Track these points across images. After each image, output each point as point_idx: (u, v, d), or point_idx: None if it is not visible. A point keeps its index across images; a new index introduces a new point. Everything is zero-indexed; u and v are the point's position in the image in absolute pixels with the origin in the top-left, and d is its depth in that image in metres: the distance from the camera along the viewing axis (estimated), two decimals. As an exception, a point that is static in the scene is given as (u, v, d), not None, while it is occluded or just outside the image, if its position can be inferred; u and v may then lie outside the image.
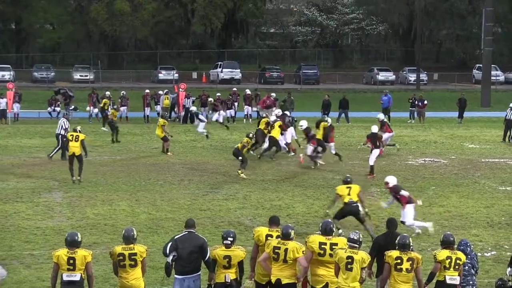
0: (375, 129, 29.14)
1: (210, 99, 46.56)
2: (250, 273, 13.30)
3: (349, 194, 18.97)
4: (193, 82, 70.61)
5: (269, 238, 13.23)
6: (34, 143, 36.11)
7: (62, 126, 31.13)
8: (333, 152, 31.47)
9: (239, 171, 27.61)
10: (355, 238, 12.50)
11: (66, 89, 49.98)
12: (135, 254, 12.63)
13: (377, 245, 13.43)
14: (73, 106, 47.18)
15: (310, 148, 30.26)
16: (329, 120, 32.52)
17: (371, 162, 28.24)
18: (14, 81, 62.10)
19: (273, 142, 31.89)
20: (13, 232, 19.52)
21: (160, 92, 49.05)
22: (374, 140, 28.64)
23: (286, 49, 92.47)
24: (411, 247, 12.70)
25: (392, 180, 19.72)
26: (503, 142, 38.41)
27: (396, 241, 12.74)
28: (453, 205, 23.50)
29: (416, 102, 48.14)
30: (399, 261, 12.50)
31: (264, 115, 38.19)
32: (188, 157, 32.85)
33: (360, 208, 18.99)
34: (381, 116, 33.97)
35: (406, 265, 12.50)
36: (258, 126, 33.50)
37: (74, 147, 26.22)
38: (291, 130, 33.69)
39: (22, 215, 21.39)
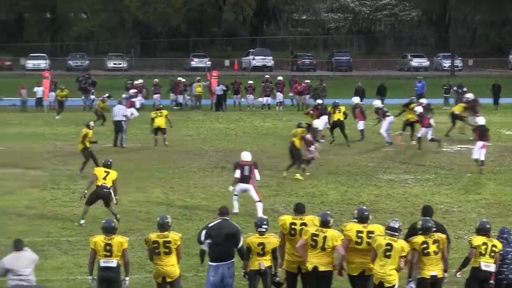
0: (482, 120, 27.55)
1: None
2: (280, 261, 13.35)
3: (104, 179, 19.08)
4: (225, 70, 70.65)
5: (293, 226, 13.30)
6: (70, 131, 36.35)
7: (121, 113, 31.62)
8: (429, 137, 31.25)
9: (297, 174, 25.09)
10: (395, 226, 12.49)
11: (85, 76, 49.95)
12: (169, 242, 12.73)
13: (414, 232, 13.36)
14: (107, 94, 47.40)
15: (423, 131, 30.76)
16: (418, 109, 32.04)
17: (477, 156, 26.44)
18: (49, 69, 62.59)
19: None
20: (51, 219, 19.74)
21: (180, 78, 49.15)
22: (482, 132, 26.72)
23: (319, 36, 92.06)
24: (434, 229, 12.69)
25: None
26: None
27: (419, 226, 12.73)
28: (490, 192, 23.33)
29: (455, 89, 47.66)
30: (425, 245, 12.52)
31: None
32: (221, 144, 32.92)
33: (112, 195, 19.14)
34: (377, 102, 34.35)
35: (433, 247, 12.51)
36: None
37: (78, 143, 26.09)
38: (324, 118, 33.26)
39: (59, 202, 21.61)
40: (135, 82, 48.59)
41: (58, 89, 45.70)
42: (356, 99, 35.28)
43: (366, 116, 34.04)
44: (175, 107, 46.77)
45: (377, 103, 34.47)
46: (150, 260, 13.07)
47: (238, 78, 51.73)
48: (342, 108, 32.52)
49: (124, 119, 32.10)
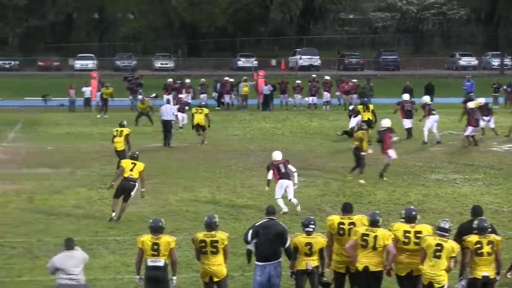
0: None
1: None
2: (327, 261, 13.27)
3: (131, 170, 19.38)
4: (272, 69, 70.69)
5: (341, 226, 13.21)
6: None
7: (171, 112, 31.72)
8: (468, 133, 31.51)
9: (360, 180, 24.29)
10: (446, 227, 12.36)
11: (134, 76, 50.32)
12: (216, 241, 12.71)
13: (462, 232, 13.21)
14: (154, 94, 47.70)
15: (469, 129, 31.01)
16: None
17: None
18: (97, 69, 63.14)
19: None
20: (98, 218, 19.86)
21: (226, 78, 49.32)
22: None
23: (365, 35, 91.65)
24: (489, 229, 12.52)
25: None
26: None
27: (474, 225, 12.56)
28: (539, 192, 22.98)
29: (505, 88, 47.13)
30: (479, 245, 12.34)
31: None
32: (268, 143, 32.88)
33: (135, 188, 19.51)
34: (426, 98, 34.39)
35: (486, 248, 12.34)
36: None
37: (118, 142, 25.81)
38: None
39: (106, 201, 21.70)
40: (170, 81, 48.90)
41: (103, 87, 46.02)
42: (405, 96, 34.97)
43: (412, 114, 33.69)
44: (217, 108, 46.79)
45: (426, 98, 34.29)
46: (197, 259, 13.07)
47: (285, 77, 51.67)
48: (371, 107, 32.46)
49: (174, 118, 32.17)
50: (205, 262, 12.79)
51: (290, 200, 20.26)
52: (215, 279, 12.82)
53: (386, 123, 25.35)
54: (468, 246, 12.38)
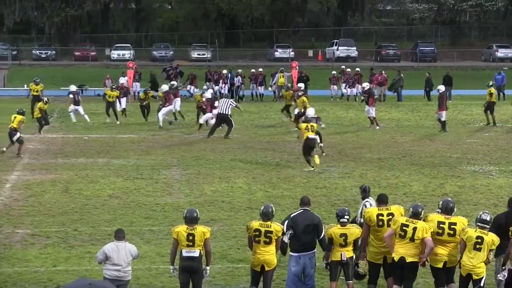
0: None
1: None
2: (362, 253, 13.24)
3: (13, 122, 26.61)
4: (309, 60, 70.50)
5: (380, 217, 13.16)
6: (154, 121, 36.63)
7: (227, 106, 31.48)
8: None
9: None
10: (487, 219, 12.35)
11: (172, 66, 50.40)
12: (271, 232, 12.74)
13: (497, 224, 13.10)
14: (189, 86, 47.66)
15: None
16: None
17: None
18: (134, 60, 63.37)
19: None
20: (134, 208, 19.96)
21: (260, 69, 49.26)
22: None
23: (403, 27, 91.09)
24: None
25: None
26: None
27: None
28: None
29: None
30: None
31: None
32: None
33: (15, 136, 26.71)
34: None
35: None
36: None
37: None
38: None
39: (142, 191, 21.84)
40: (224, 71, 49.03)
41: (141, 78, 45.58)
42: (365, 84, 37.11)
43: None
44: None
45: (441, 88, 34.62)
46: (249, 248, 13.09)
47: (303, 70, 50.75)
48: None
49: (230, 112, 31.67)
50: (257, 251, 12.81)
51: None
52: (267, 268, 12.82)
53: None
54: None
